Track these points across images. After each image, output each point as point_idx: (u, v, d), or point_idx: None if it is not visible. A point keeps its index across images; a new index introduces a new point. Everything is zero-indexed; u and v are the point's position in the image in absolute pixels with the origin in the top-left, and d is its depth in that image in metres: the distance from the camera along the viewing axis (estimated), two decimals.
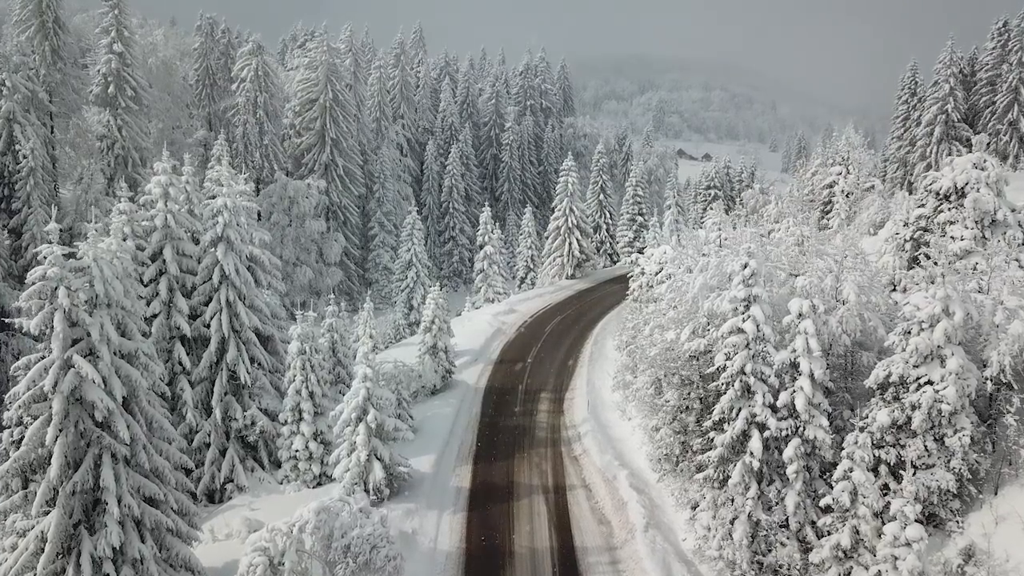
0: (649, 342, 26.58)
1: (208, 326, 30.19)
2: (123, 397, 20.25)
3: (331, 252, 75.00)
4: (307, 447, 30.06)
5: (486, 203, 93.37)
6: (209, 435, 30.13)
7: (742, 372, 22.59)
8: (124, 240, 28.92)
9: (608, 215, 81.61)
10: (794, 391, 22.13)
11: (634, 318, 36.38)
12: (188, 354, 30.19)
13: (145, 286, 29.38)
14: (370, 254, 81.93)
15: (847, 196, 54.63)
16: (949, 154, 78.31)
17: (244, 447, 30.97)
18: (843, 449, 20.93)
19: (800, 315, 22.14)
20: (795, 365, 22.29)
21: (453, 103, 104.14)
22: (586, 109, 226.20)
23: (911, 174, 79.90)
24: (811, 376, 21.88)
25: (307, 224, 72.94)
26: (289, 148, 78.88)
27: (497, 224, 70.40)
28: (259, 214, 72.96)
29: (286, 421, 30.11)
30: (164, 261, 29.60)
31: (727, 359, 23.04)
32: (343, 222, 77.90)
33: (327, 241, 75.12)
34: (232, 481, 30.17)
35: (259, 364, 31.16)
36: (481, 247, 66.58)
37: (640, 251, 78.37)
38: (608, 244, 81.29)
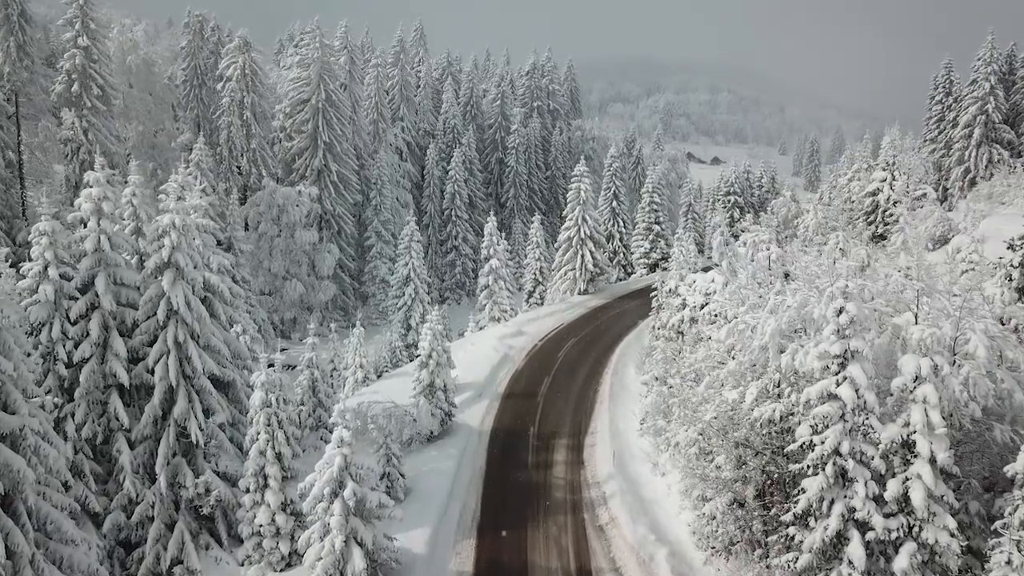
0: (700, 397, 20.90)
1: (152, 372, 24.57)
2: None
3: (324, 264, 69.49)
4: (273, 521, 24.45)
5: (491, 210, 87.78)
6: (153, 507, 24.49)
7: (836, 452, 16.93)
8: (46, 268, 23.36)
9: (621, 223, 75.95)
10: (908, 479, 16.50)
11: (666, 353, 30.72)
12: (127, 407, 24.62)
13: (72, 324, 23.80)
14: (366, 266, 76.31)
15: (894, 204, 48.97)
16: (990, 159, 72.78)
17: (197, 520, 25.32)
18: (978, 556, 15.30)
19: (917, 378, 16.48)
20: (909, 444, 16.65)
21: (456, 104, 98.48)
22: (591, 112, 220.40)
23: (946, 179, 74.21)
24: (932, 460, 16.23)
25: (298, 234, 67.47)
26: (279, 152, 73.44)
27: (503, 234, 64.82)
28: (246, 224, 67.64)
29: (248, 489, 24.53)
30: (96, 293, 24.00)
31: (814, 432, 17.39)
32: (337, 232, 72.33)
33: (319, 252, 69.62)
34: (182, 563, 24.52)
35: (216, 417, 25.49)
36: (486, 260, 60.90)
37: (659, 265, 73.17)
38: (622, 255, 75.64)
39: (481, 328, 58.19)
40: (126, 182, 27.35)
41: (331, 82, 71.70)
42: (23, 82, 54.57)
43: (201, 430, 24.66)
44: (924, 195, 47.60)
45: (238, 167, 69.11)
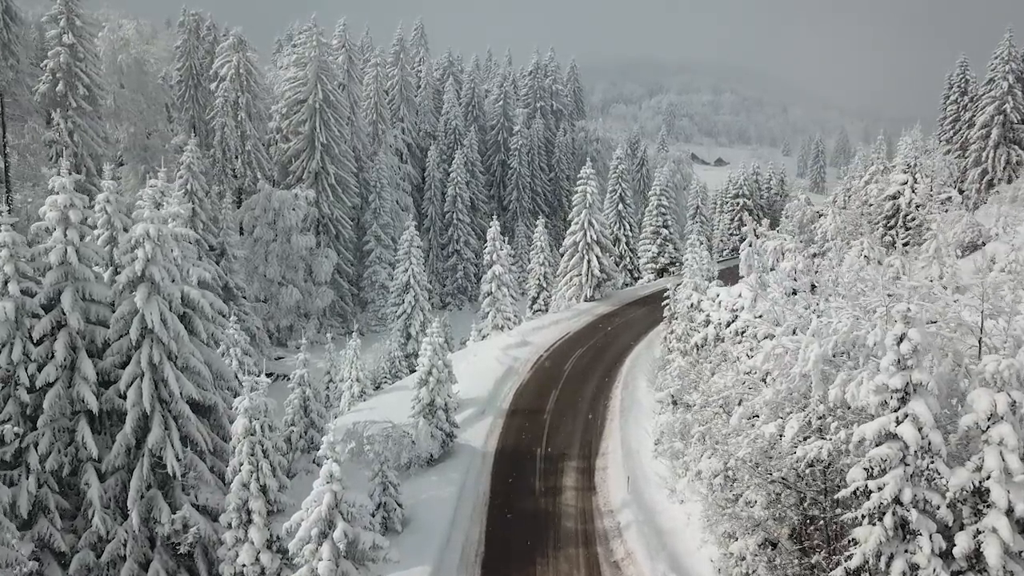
0: (731, 428, 18.69)
1: (124, 396, 22.37)
2: None
3: (321, 270, 67.35)
4: (257, 560, 22.22)
5: (493, 214, 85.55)
6: (125, 544, 22.28)
7: (897, 501, 14.70)
8: (6, 283, 21.18)
9: (628, 227, 73.71)
10: (980, 532, 14.29)
11: (685, 371, 28.47)
12: (97, 435, 22.45)
13: (36, 345, 21.62)
14: (365, 271, 74.07)
15: (917, 208, 46.71)
16: (1008, 160, 70.50)
17: (174, 558, 23.12)
18: None
19: (991, 416, 14.27)
20: (981, 492, 14.44)
21: (457, 105, 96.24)
22: (594, 113, 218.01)
23: (962, 181, 71.91)
24: (1009, 511, 14.02)
25: (294, 239, 65.33)
26: (275, 154, 71.32)
27: (505, 238, 62.59)
28: (241, 229, 65.48)
29: (230, 524, 22.31)
30: (63, 310, 21.80)
31: (869, 476, 15.16)
32: (335, 236, 70.14)
33: (317, 257, 67.48)
34: None
35: (195, 445, 23.30)
36: (489, 266, 58.64)
37: (667, 270, 70.99)
38: (628, 259, 73.39)
39: (484, 337, 55.97)
40: (99, 188, 25.29)
41: (329, 82, 69.58)
42: (8, 82, 52.46)
43: (178, 460, 22.47)
44: (949, 199, 45.32)
45: (232, 170, 66.95)
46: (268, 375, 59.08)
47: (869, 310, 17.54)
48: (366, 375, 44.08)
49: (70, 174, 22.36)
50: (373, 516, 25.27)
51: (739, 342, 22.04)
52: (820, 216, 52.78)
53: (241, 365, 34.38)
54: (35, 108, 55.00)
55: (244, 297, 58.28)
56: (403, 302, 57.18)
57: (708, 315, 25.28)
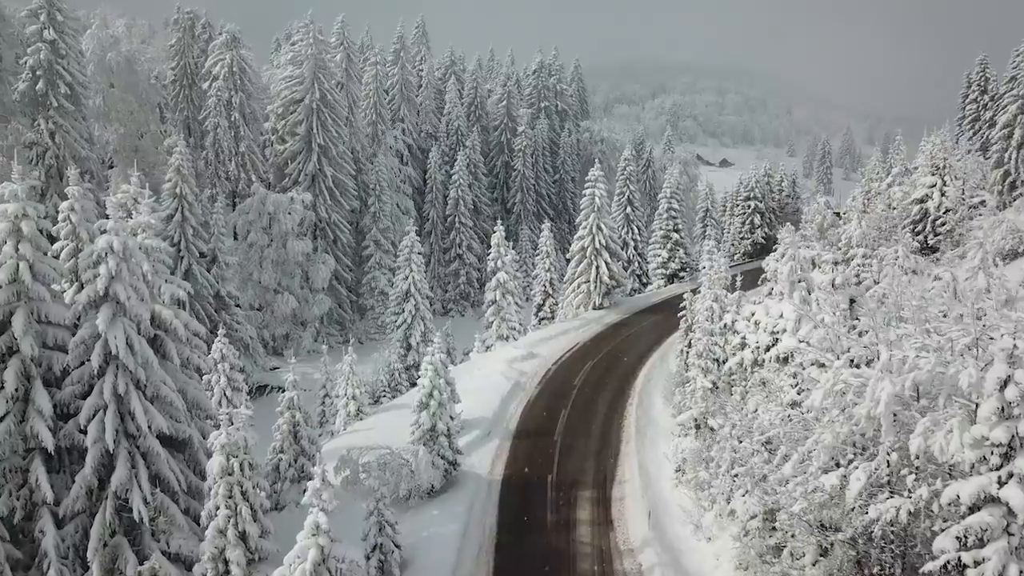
0: (783, 475, 16.06)
1: (85, 431, 19.76)
2: None
3: (318, 276, 64.71)
4: None
5: (497, 217, 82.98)
6: None
7: None
8: None
9: (636, 231, 71.03)
10: None
11: (717, 400, 25.83)
12: (54, 472, 19.82)
13: None
14: (364, 277, 71.36)
15: (946, 212, 44.11)
16: None
17: None
18: None
19: None
20: None
21: (459, 105, 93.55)
22: (596, 113, 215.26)
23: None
24: None
25: (290, 244, 62.70)
26: (271, 156, 68.79)
27: (510, 243, 59.96)
28: (235, 234, 62.93)
29: (205, 574, 19.73)
30: (13, 335, 19.19)
31: (963, 547, 12.53)
32: (333, 241, 67.49)
33: (314, 263, 64.84)
34: None
35: (167, 485, 20.69)
36: (493, 273, 56.05)
37: (677, 276, 68.23)
38: (637, 264, 70.73)
39: (488, 348, 53.35)
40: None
41: (326, 80, 67.00)
42: None
43: (147, 503, 19.86)
44: (982, 203, 42.71)
45: (226, 172, 64.43)
46: (261, 388, 57.24)
47: (947, 340, 14.92)
48: (363, 391, 41.39)
49: (23, 179, 19.69)
50: (368, 559, 22.73)
51: (778, 369, 19.38)
52: (842, 220, 50.17)
53: (230, 382, 31.73)
54: (20, 108, 52.51)
55: (237, 305, 55.70)
56: (403, 311, 54.50)
57: (744, 337, 22.64)
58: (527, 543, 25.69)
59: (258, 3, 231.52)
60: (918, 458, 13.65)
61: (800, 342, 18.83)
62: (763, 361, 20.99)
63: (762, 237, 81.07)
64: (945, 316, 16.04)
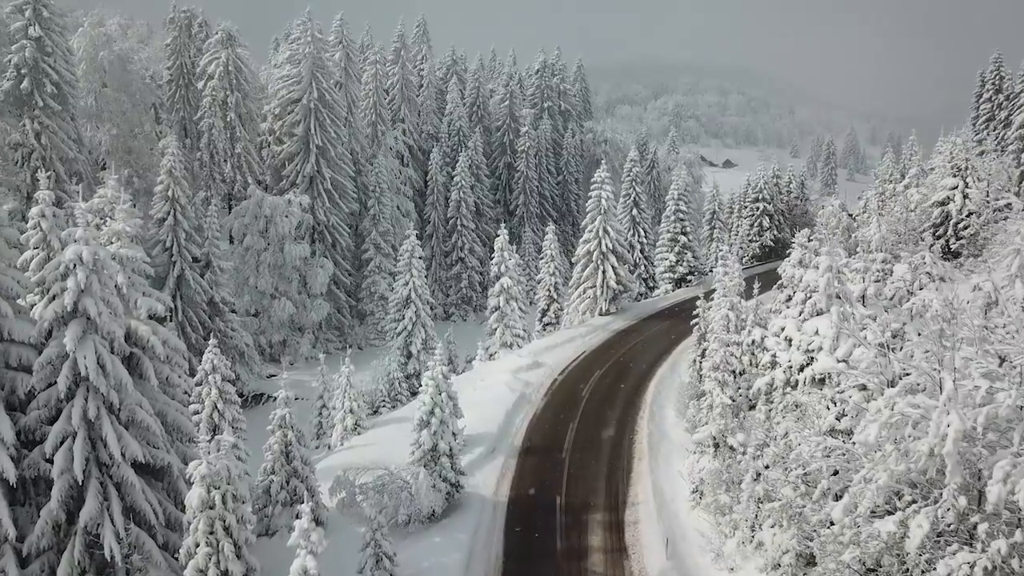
0: (834, 519, 14.24)
1: (51, 461, 17.98)
2: None
3: (316, 281, 62.90)
4: None
5: (499, 219, 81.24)
6: None
7: None
8: None
9: (642, 233, 69.31)
10: None
11: (737, 419, 24.03)
12: (18, 506, 18.04)
13: None
14: (364, 281, 69.54)
15: (969, 216, 42.28)
16: None
17: None
18: None
19: None
20: None
21: (461, 105, 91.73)
22: (599, 114, 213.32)
23: None
24: None
25: (287, 248, 60.94)
26: (267, 157, 67.00)
27: (513, 246, 58.15)
28: (231, 237, 61.15)
29: None
30: None
31: None
32: (331, 244, 65.72)
33: (312, 268, 63.05)
34: None
35: (142, 518, 18.89)
36: (496, 278, 54.27)
37: (685, 281, 66.26)
38: (643, 268, 68.97)
39: (491, 355, 51.60)
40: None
41: (325, 80, 65.23)
42: None
43: (119, 539, 18.07)
44: (1008, 205, 40.84)
45: (221, 174, 62.66)
46: (257, 396, 55.43)
47: (1012, 366, 13.14)
48: (361, 403, 39.55)
49: None
50: None
51: (813, 391, 17.54)
52: (856, 224, 48.40)
53: (222, 394, 29.93)
54: (5, 108, 50.78)
55: (233, 311, 53.90)
56: (403, 318, 52.70)
57: (775, 355, 20.79)
58: (535, 573, 23.91)
59: (258, 3, 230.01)
60: (1002, 502, 11.85)
61: (839, 362, 16.98)
62: (796, 382, 19.17)
63: (771, 239, 79.24)
64: (1011, 335, 14.23)
